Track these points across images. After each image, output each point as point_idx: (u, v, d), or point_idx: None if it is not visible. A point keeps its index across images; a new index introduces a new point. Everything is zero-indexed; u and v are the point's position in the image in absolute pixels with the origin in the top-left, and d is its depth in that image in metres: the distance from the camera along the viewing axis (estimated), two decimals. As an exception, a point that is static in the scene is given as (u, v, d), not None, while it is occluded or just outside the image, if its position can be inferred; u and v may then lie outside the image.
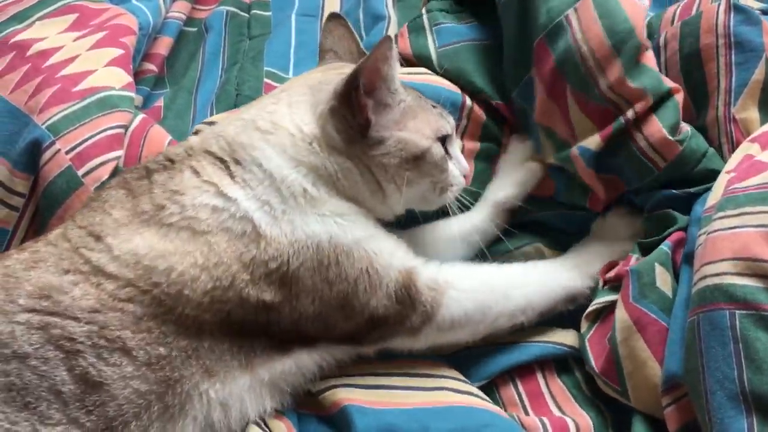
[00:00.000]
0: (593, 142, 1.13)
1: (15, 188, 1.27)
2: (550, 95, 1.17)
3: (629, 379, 1.01)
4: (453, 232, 1.21)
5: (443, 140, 1.11)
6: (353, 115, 1.03)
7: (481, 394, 1.05)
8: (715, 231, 0.92)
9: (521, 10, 1.21)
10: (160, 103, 1.52)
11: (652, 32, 1.25)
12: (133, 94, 1.35)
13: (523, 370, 1.11)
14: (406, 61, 1.38)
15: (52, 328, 0.92)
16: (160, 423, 0.94)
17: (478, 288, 1.08)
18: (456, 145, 1.17)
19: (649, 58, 1.12)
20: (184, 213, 0.98)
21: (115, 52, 1.40)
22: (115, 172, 1.21)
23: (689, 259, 1.00)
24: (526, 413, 1.07)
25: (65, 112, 1.27)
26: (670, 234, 1.08)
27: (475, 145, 1.30)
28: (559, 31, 1.15)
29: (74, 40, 1.41)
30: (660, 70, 1.13)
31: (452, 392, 1.04)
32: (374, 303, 1.01)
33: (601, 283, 1.12)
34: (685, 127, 1.10)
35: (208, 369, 0.96)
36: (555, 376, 1.12)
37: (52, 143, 1.24)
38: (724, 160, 1.10)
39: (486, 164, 1.31)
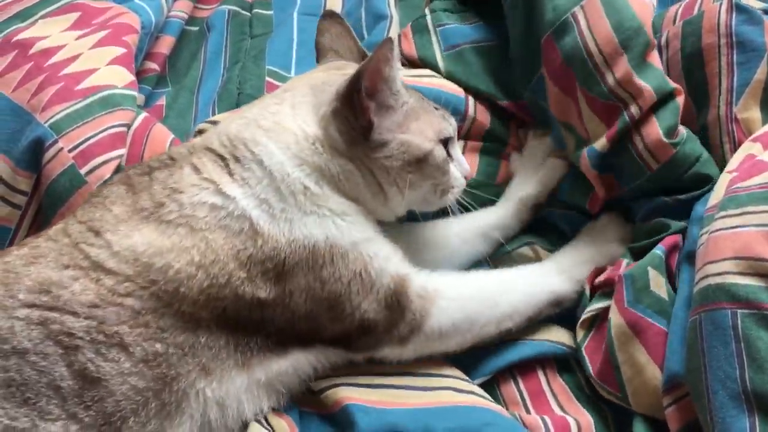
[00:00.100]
0: (600, 143, 1.13)
1: (18, 186, 1.27)
2: (563, 91, 1.18)
3: (629, 384, 1.00)
4: (471, 228, 1.22)
5: (445, 142, 1.11)
6: (355, 117, 1.03)
7: (483, 393, 1.05)
8: (717, 230, 0.92)
9: (527, 8, 1.22)
10: (162, 102, 1.52)
11: (654, 32, 1.25)
12: (135, 93, 1.36)
13: (525, 369, 1.11)
14: (411, 63, 1.38)
15: (52, 323, 0.92)
16: (158, 420, 0.94)
17: (466, 296, 1.07)
18: (457, 147, 1.17)
19: (655, 57, 1.12)
20: (182, 211, 0.98)
21: (118, 50, 1.41)
22: (117, 171, 1.22)
23: (690, 258, 1.00)
24: (528, 412, 1.07)
25: (68, 111, 1.27)
26: (662, 238, 1.08)
27: (479, 144, 1.31)
28: (566, 28, 1.15)
29: (76, 39, 1.41)
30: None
31: (454, 392, 1.03)
32: (365, 306, 1.01)
33: (588, 289, 1.11)
34: (682, 131, 1.10)
35: (205, 367, 0.96)
36: (556, 375, 1.11)
37: (55, 141, 1.24)
38: (726, 159, 1.10)
39: (491, 159, 1.31)
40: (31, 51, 1.37)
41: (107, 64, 1.37)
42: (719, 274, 0.88)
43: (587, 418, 1.05)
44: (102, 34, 1.42)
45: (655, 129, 1.09)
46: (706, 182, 1.08)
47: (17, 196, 1.27)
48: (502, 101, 1.31)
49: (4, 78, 1.34)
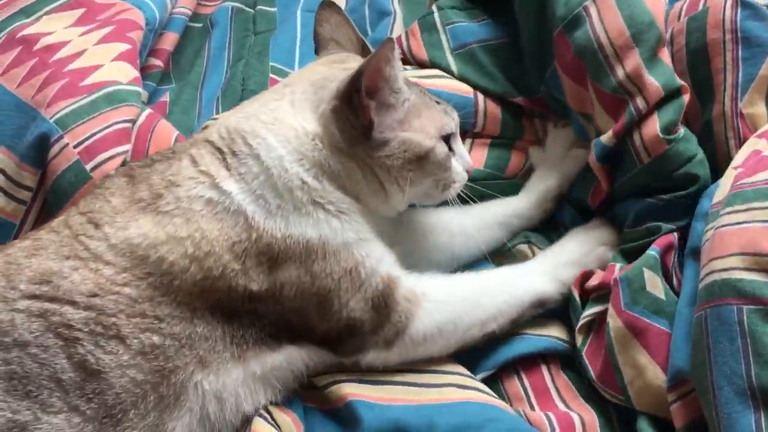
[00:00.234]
0: (606, 137, 1.13)
1: (23, 182, 1.28)
2: (577, 82, 1.18)
3: (631, 386, 1.00)
4: (489, 215, 1.23)
5: (447, 138, 1.11)
6: (356, 116, 1.03)
7: (486, 389, 1.05)
8: (723, 226, 0.92)
9: (539, 3, 1.22)
10: (165, 98, 1.52)
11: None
12: (140, 89, 1.36)
13: (529, 365, 1.11)
14: (420, 65, 1.38)
15: (52, 315, 0.93)
16: (157, 413, 0.95)
17: (450, 299, 1.07)
18: (459, 141, 1.17)
19: (665, 53, 1.12)
20: (179, 204, 0.99)
21: (122, 47, 1.41)
22: (123, 167, 1.22)
23: (695, 254, 1.00)
24: (532, 408, 1.07)
25: (73, 107, 1.27)
26: (655, 239, 1.07)
27: (488, 140, 1.32)
28: (578, 22, 1.15)
29: (81, 35, 1.42)
30: (668, 65, 1.13)
31: (458, 388, 1.03)
32: (353, 305, 1.01)
33: (577, 294, 1.11)
34: (679, 129, 1.09)
35: (202, 359, 0.97)
36: (560, 371, 1.11)
37: (60, 137, 1.24)
38: (731, 155, 1.10)
39: (500, 151, 1.32)
40: (36, 47, 1.38)
41: (112, 60, 1.37)
42: (725, 269, 0.88)
43: (591, 414, 1.05)
44: (107, 30, 1.43)
45: (653, 123, 1.09)
46: (693, 183, 1.07)
47: (22, 192, 1.27)
48: (516, 98, 1.31)
49: (8, 74, 1.34)
